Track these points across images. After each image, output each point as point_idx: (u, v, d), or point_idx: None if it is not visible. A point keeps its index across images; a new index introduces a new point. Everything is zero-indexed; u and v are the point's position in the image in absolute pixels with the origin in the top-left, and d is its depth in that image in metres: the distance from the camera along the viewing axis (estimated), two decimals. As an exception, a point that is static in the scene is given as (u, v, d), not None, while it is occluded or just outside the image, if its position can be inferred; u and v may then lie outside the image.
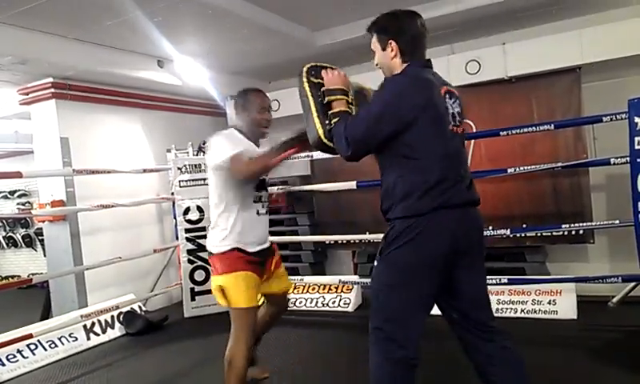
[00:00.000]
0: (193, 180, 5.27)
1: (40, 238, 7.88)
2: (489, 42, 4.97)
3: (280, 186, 5.17)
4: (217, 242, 2.67)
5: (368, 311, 3.43)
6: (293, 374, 3.47)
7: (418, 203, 1.94)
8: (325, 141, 2.09)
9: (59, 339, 4.22)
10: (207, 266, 5.24)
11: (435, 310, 2.19)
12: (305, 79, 2.16)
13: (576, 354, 3.38)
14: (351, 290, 5.02)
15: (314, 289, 5.18)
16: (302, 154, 4.22)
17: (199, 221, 5.25)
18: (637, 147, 3.50)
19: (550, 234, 4.48)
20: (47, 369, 3.97)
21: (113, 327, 4.67)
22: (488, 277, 4.25)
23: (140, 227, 5.65)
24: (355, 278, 5.06)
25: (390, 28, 2.14)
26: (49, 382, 3.76)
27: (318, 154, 4.39)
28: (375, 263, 2.10)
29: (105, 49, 4.63)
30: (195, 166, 5.30)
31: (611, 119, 3.84)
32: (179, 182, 5.26)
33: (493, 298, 4.34)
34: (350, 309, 4.89)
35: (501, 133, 4.25)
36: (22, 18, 3.80)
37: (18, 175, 4.24)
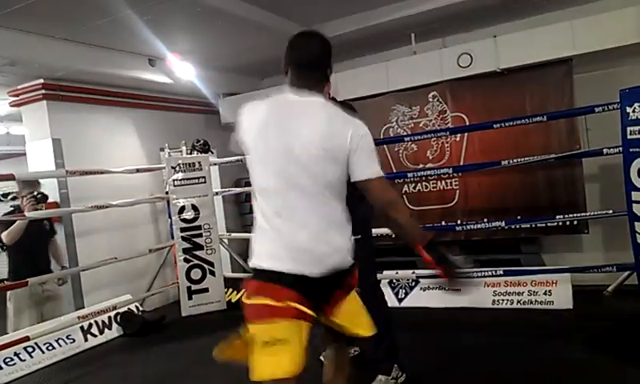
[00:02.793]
0: (187, 179, 5.25)
1: (34, 240, 7.83)
2: (480, 35, 4.98)
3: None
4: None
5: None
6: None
7: None
8: None
9: (56, 341, 4.20)
10: (203, 265, 5.24)
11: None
12: None
13: (572, 343, 3.40)
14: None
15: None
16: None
17: (194, 219, 5.24)
18: (629, 137, 3.52)
19: (544, 225, 4.50)
20: (45, 371, 3.96)
21: (110, 328, 4.65)
22: (484, 268, 4.31)
23: (135, 227, 5.63)
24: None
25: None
26: (47, 384, 3.76)
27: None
28: None
29: (95, 49, 4.60)
30: (189, 164, 5.28)
31: (603, 110, 3.87)
32: (173, 181, 5.24)
33: (489, 290, 4.41)
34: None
35: (494, 125, 4.26)
36: (10, 19, 3.77)
37: (10, 177, 4.21)
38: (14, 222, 4.00)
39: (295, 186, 1.78)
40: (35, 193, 4.13)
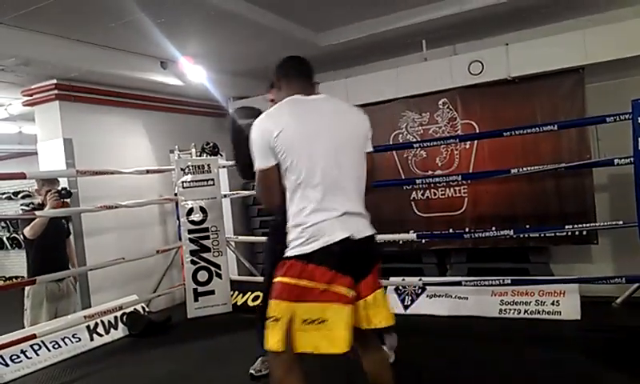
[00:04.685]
0: (196, 181, 5.28)
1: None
2: (492, 43, 4.96)
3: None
4: None
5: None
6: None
7: None
8: None
9: (63, 340, 4.22)
10: (210, 267, 5.25)
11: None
12: None
13: (579, 354, 3.36)
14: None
15: (316, 290, 5.17)
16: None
17: (202, 221, 5.26)
18: (640, 148, 3.50)
19: (553, 234, 4.47)
20: (51, 369, 3.97)
21: (116, 328, 4.67)
22: (492, 277, 4.28)
23: (143, 228, 5.66)
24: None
25: None
26: (52, 382, 3.77)
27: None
28: None
29: (108, 50, 4.64)
30: (198, 167, 5.31)
31: (615, 120, 3.84)
32: (182, 182, 5.27)
33: (496, 299, 4.38)
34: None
35: (504, 133, 4.24)
36: (25, 20, 3.81)
37: (21, 176, 4.26)
38: (33, 219, 4.06)
39: (347, 174, 2.10)
40: (60, 188, 4.23)
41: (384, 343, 2.98)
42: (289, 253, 2.01)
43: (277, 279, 2.01)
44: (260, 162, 2.06)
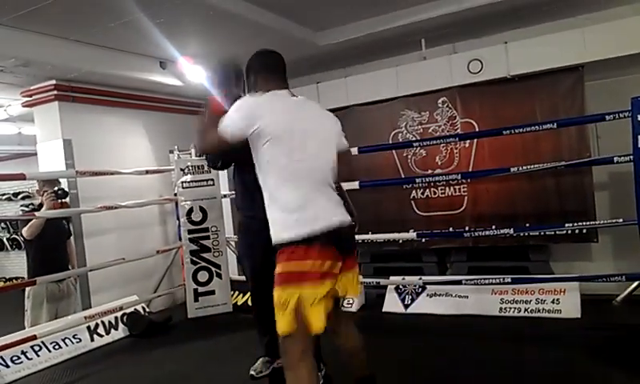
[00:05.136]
0: (195, 181, 5.28)
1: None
2: (491, 41, 4.96)
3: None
4: None
5: (372, 311, 3.41)
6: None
7: None
8: None
9: (63, 341, 4.21)
10: (210, 267, 5.25)
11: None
12: None
13: (579, 353, 3.37)
14: (354, 290, 5.00)
15: (317, 289, 5.17)
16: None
17: (202, 221, 5.25)
18: (640, 145, 3.50)
19: (553, 232, 4.47)
20: (51, 370, 3.97)
21: (117, 328, 4.67)
22: (492, 275, 4.29)
23: (143, 228, 5.66)
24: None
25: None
26: (53, 383, 3.77)
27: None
28: None
29: (107, 50, 4.64)
30: (198, 167, 5.30)
31: (614, 117, 3.83)
32: (182, 183, 5.26)
33: (496, 297, 4.38)
34: (354, 309, 4.86)
35: (503, 132, 4.25)
36: (24, 21, 3.81)
37: (21, 177, 4.26)
38: (32, 220, 4.08)
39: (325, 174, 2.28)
40: (56, 189, 4.25)
41: (323, 363, 2.99)
42: (287, 238, 2.09)
43: (280, 265, 2.08)
44: (232, 126, 2.13)
